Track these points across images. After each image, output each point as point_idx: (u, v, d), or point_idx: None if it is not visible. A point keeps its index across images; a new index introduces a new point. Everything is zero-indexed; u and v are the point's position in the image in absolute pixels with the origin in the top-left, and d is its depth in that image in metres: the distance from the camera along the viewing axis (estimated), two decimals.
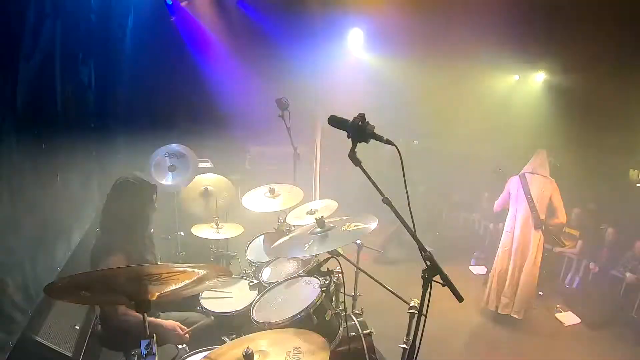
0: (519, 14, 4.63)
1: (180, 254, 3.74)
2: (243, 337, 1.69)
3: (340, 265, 2.13)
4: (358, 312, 2.37)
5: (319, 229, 2.03)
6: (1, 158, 1.72)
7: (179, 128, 4.88)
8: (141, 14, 3.91)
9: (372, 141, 1.43)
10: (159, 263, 2.36)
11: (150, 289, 1.39)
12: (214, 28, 4.84)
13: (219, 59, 5.03)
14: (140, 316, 1.41)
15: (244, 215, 3.43)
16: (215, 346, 1.74)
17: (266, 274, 2.63)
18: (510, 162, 4.50)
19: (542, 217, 3.91)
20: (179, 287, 1.50)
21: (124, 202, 2.14)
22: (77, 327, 2.47)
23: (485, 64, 5.93)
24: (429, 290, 1.43)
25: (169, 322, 2.12)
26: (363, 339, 2.12)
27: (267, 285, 2.42)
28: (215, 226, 3.27)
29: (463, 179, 6.95)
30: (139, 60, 3.96)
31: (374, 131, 1.42)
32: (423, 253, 1.42)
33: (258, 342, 1.56)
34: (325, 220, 2.07)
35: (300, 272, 2.42)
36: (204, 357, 1.67)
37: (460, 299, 1.37)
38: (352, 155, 1.42)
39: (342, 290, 2.33)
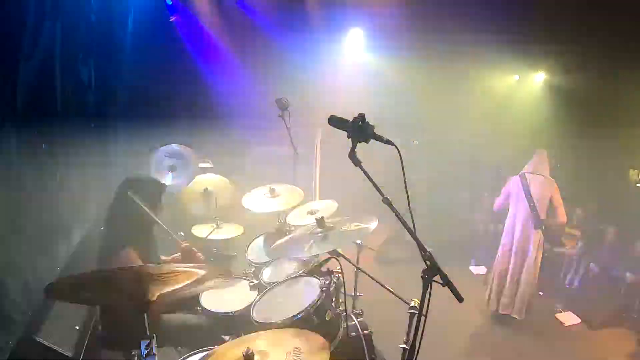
0: (519, 14, 4.63)
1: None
2: (243, 337, 1.69)
3: (340, 265, 2.13)
4: (358, 312, 2.36)
5: (319, 229, 2.03)
6: (1, 158, 1.73)
7: (179, 128, 4.87)
8: (141, 14, 3.91)
9: (371, 142, 1.43)
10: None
11: (150, 289, 1.39)
12: (214, 28, 4.84)
13: (219, 59, 5.03)
14: None
15: (244, 216, 3.43)
16: (215, 346, 1.74)
17: (266, 274, 2.62)
18: (510, 162, 4.50)
19: (542, 217, 3.91)
20: (179, 287, 1.50)
21: (134, 200, 2.14)
22: (77, 327, 2.47)
23: (485, 64, 5.93)
24: (429, 291, 1.43)
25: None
26: (363, 339, 2.12)
27: (267, 285, 2.42)
28: (215, 226, 3.27)
29: (463, 179, 6.95)
30: (139, 60, 3.96)
31: (374, 131, 1.42)
32: (423, 253, 1.42)
33: (258, 342, 1.56)
34: (326, 221, 2.07)
35: (300, 272, 2.42)
36: (204, 357, 1.67)
37: (460, 299, 1.37)
38: (352, 156, 1.43)
39: (342, 290, 2.33)
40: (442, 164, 6.51)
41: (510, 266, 4.03)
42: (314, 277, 2.20)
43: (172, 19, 4.39)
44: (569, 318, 4.28)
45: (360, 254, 2.71)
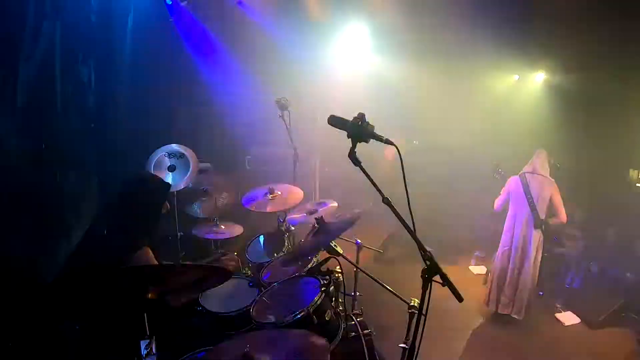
0: (519, 14, 4.63)
1: (180, 254, 3.74)
2: (243, 337, 1.69)
3: (340, 265, 2.13)
4: (358, 312, 2.37)
5: (319, 228, 2.03)
6: (1, 158, 1.73)
7: (179, 128, 4.88)
8: (141, 14, 3.90)
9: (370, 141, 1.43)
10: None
11: (150, 290, 1.39)
12: (214, 28, 4.84)
13: (218, 59, 5.02)
14: None
15: (244, 216, 3.44)
16: (215, 346, 1.74)
17: (266, 274, 2.63)
18: (510, 162, 4.49)
19: (542, 217, 3.91)
20: (179, 287, 1.50)
21: (141, 199, 2.15)
22: (77, 327, 2.47)
23: (485, 64, 5.93)
24: (428, 290, 1.43)
25: None
26: (363, 339, 2.12)
27: (267, 285, 2.42)
28: (215, 226, 3.27)
29: (463, 179, 6.95)
30: (139, 60, 3.96)
31: (374, 131, 1.43)
32: (423, 253, 1.42)
33: (258, 342, 1.56)
34: (326, 220, 2.07)
35: (300, 272, 2.42)
36: (203, 357, 1.67)
37: (460, 299, 1.38)
38: (352, 156, 1.43)
39: (342, 290, 2.33)
40: (442, 164, 6.51)
41: (510, 266, 4.03)
42: (314, 277, 2.20)
43: (172, 19, 4.39)
44: (569, 318, 4.28)
45: (361, 254, 2.71)
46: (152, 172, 3.41)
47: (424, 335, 1.50)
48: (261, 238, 3.19)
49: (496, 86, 6.64)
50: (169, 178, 3.47)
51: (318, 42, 5.46)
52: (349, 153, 1.42)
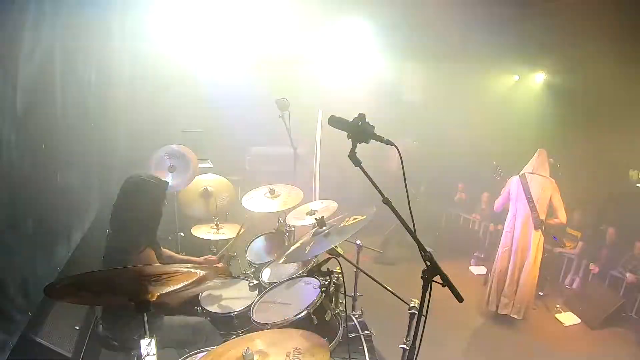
0: (519, 14, 4.63)
1: (181, 254, 3.74)
2: (243, 337, 1.69)
3: (340, 266, 2.13)
4: (358, 313, 2.37)
5: (319, 230, 2.03)
6: (1, 158, 1.72)
7: (179, 128, 4.88)
8: (141, 14, 3.90)
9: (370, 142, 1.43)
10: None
11: (150, 290, 1.39)
12: (214, 28, 4.84)
13: (219, 59, 5.03)
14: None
15: (244, 216, 3.43)
16: (215, 346, 1.74)
17: (266, 275, 2.63)
18: (510, 162, 4.50)
19: (542, 217, 3.91)
20: (179, 288, 1.50)
21: (139, 200, 2.16)
22: (77, 328, 2.47)
23: (485, 64, 5.93)
24: (429, 291, 1.43)
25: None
26: (363, 339, 2.12)
27: (267, 285, 2.42)
28: (215, 227, 3.27)
29: (463, 179, 6.95)
30: (139, 60, 3.96)
31: (374, 131, 1.43)
32: (423, 253, 1.42)
33: (258, 342, 1.56)
34: (326, 220, 2.07)
35: (300, 272, 2.42)
36: (203, 357, 1.67)
37: (460, 299, 1.37)
38: (352, 156, 1.43)
39: (342, 290, 2.33)
40: (442, 164, 6.51)
41: (510, 266, 4.04)
42: (314, 277, 2.20)
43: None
44: (569, 318, 4.28)
45: (361, 254, 2.71)
46: (153, 172, 3.41)
47: (424, 335, 1.50)
48: (261, 238, 3.19)
49: (496, 86, 6.65)
50: (169, 178, 3.47)
51: (319, 42, 5.45)
52: (349, 153, 1.42)
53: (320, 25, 5.14)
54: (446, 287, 1.38)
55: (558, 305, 4.47)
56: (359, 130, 1.40)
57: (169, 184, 3.42)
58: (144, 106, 4.13)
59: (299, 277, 2.34)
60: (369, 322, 2.25)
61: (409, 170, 1.46)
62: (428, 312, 1.46)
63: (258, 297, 2.24)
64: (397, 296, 1.88)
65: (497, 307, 4.10)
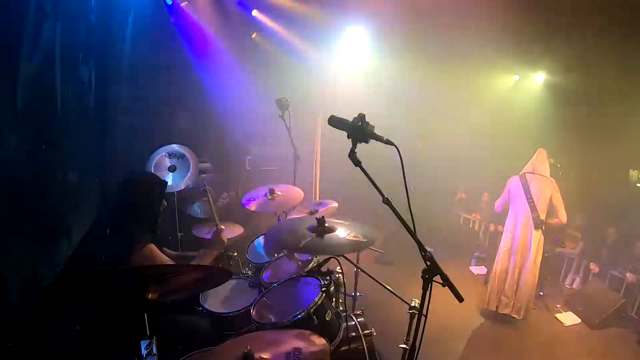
0: (519, 14, 4.63)
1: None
2: (243, 337, 1.69)
3: (341, 265, 2.13)
4: (358, 312, 2.36)
5: (316, 227, 2.02)
6: (1, 158, 1.73)
7: (180, 128, 4.88)
8: (141, 14, 3.90)
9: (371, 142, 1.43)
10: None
11: (150, 289, 1.39)
12: (214, 28, 4.84)
13: (219, 59, 5.03)
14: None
15: (244, 216, 3.43)
16: (215, 346, 1.74)
17: (266, 275, 2.62)
18: (510, 162, 4.50)
19: (542, 217, 3.91)
20: (179, 288, 1.50)
21: (137, 197, 2.16)
22: (77, 328, 2.47)
23: (485, 64, 5.93)
24: (429, 291, 1.43)
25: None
26: (363, 339, 2.12)
27: (267, 285, 2.42)
28: (215, 226, 3.27)
29: (463, 179, 6.96)
30: (139, 60, 3.96)
31: (374, 131, 1.43)
32: (423, 253, 1.42)
33: (258, 342, 1.56)
34: (326, 221, 2.06)
35: (300, 272, 2.42)
36: (203, 357, 1.67)
37: (460, 299, 1.38)
38: (352, 156, 1.43)
39: (342, 290, 2.33)
40: (442, 164, 6.52)
41: (511, 266, 4.03)
42: (314, 277, 2.20)
43: (172, 19, 4.39)
44: (569, 318, 4.28)
45: (361, 254, 2.71)
46: (153, 172, 3.41)
47: (424, 335, 1.51)
48: (261, 238, 3.19)
49: (496, 86, 6.65)
50: (169, 178, 3.48)
51: (319, 42, 5.46)
52: (349, 153, 1.42)
53: (321, 26, 5.14)
54: (446, 287, 1.38)
55: (558, 305, 4.47)
56: (359, 130, 1.40)
57: (169, 183, 3.45)
58: (144, 106, 4.13)
59: (299, 277, 2.34)
60: (370, 322, 2.24)
61: (409, 170, 1.46)
62: (428, 312, 1.46)
63: (258, 297, 2.23)
64: (397, 296, 1.88)
65: (498, 306, 4.09)
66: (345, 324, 2.09)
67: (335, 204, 3.10)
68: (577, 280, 5.04)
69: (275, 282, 2.36)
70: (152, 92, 4.21)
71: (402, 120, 6.01)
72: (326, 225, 2.01)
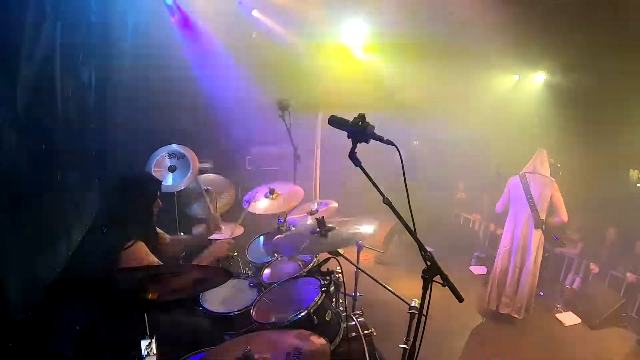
0: (519, 14, 4.63)
1: (181, 254, 3.74)
2: (243, 337, 1.69)
3: (341, 265, 2.14)
4: (358, 312, 2.37)
5: (318, 229, 2.03)
6: (1, 158, 1.73)
7: (179, 128, 4.87)
8: (141, 14, 3.90)
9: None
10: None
11: (150, 289, 1.39)
12: (214, 28, 4.83)
13: (219, 59, 5.03)
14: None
15: (244, 216, 3.42)
16: (215, 346, 1.74)
17: (266, 275, 2.63)
18: (510, 162, 4.50)
19: (543, 216, 3.91)
20: (179, 287, 1.50)
21: (129, 195, 2.16)
22: (77, 327, 2.47)
23: (485, 64, 5.93)
24: (429, 291, 1.43)
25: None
26: (363, 339, 2.12)
27: (267, 285, 2.42)
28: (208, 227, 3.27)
29: (463, 179, 6.96)
30: (139, 60, 3.96)
31: (374, 131, 1.43)
32: (423, 253, 1.42)
33: (258, 342, 1.56)
34: (326, 221, 2.07)
35: (300, 272, 2.42)
36: (203, 357, 1.67)
37: (460, 299, 1.38)
38: (353, 156, 1.43)
39: (342, 290, 2.33)
40: (443, 164, 6.52)
41: (511, 266, 4.03)
42: (314, 277, 2.20)
43: (172, 19, 4.38)
44: (569, 318, 4.28)
45: (361, 254, 2.71)
46: (153, 172, 3.42)
47: (424, 335, 1.50)
48: (261, 238, 3.19)
49: (496, 86, 6.65)
50: (169, 178, 3.48)
51: (319, 41, 5.45)
52: (350, 153, 1.42)
53: (321, 25, 5.15)
54: (446, 287, 1.38)
55: (558, 305, 4.46)
56: (359, 130, 1.40)
57: (169, 183, 3.45)
58: (144, 106, 4.13)
59: (299, 277, 2.34)
60: (370, 322, 2.24)
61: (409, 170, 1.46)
62: (428, 312, 1.46)
63: (258, 297, 2.23)
64: (397, 296, 1.88)
65: (498, 306, 4.10)
66: (345, 324, 2.09)
67: (335, 204, 3.10)
68: (577, 280, 5.04)
69: (275, 282, 2.37)
70: (152, 92, 4.21)
71: (402, 120, 6.01)
72: (327, 225, 2.02)
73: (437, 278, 1.40)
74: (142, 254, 2.04)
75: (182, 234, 3.75)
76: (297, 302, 2.01)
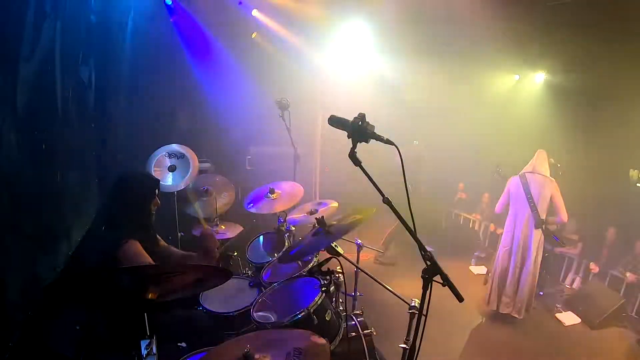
0: (519, 14, 4.63)
1: None
2: (243, 337, 1.69)
3: (341, 265, 2.13)
4: (358, 312, 2.36)
5: (320, 230, 2.03)
6: (1, 158, 1.73)
7: (179, 128, 4.88)
8: (141, 14, 3.91)
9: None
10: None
11: (150, 289, 1.39)
12: (214, 28, 4.84)
13: (219, 59, 5.03)
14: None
15: (244, 216, 3.43)
16: (215, 346, 1.74)
17: (266, 274, 2.63)
18: (510, 162, 4.50)
19: (543, 216, 3.91)
20: (179, 287, 1.50)
21: (127, 196, 2.15)
22: (77, 327, 2.47)
23: (485, 64, 5.93)
24: (429, 290, 1.43)
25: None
26: (363, 339, 2.12)
27: (267, 285, 2.42)
28: (215, 226, 3.27)
29: (463, 179, 6.96)
30: (139, 60, 3.96)
31: (374, 131, 1.42)
32: (423, 253, 1.42)
33: (258, 342, 1.56)
34: (326, 220, 2.07)
35: (300, 272, 2.42)
36: (203, 357, 1.67)
37: (460, 299, 1.38)
38: (353, 156, 1.43)
39: (342, 290, 2.33)
40: (443, 164, 6.52)
41: (511, 266, 4.03)
42: (314, 277, 2.20)
43: (172, 19, 4.38)
44: (568, 318, 4.28)
45: (361, 253, 2.71)
46: (153, 172, 3.42)
47: (424, 335, 1.50)
48: (261, 238, 3.19)
49: (496, 86, 6.65)
50: (169, 178, 3.48)
51: (318, 41, 5.46)
52: (350, 153, 1.42)
53: (321, 25, 5.15)
54: (446, 286, 1.38)
55: (558, 305, 4.46)
56: (359, 130, 1.40)
57: (169, 183, 3.45)
58: (144, 106, 4.13)
59: (299, 276, 2.34)
60: (370, 322, 2.24)
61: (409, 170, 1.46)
62: (428, 312, 1.46)
63: (258, 297, 2.23)
64: (397, 296, 1.88)
65: (498, 306, 4.09)
66: (345, 324, 2.09)
67: (336, 204, 3.10)
68: (577, 280, 5.04)
69: (275, 282, 2.36)
70: (151, 92, 4.21)
71: (402, 119, 6.01)
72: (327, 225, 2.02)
73: (437, 278, 1.40)
74: (132, 253, 2.01)
75: (182, 234, 3.76)
76: (297, 302, 2.01)
